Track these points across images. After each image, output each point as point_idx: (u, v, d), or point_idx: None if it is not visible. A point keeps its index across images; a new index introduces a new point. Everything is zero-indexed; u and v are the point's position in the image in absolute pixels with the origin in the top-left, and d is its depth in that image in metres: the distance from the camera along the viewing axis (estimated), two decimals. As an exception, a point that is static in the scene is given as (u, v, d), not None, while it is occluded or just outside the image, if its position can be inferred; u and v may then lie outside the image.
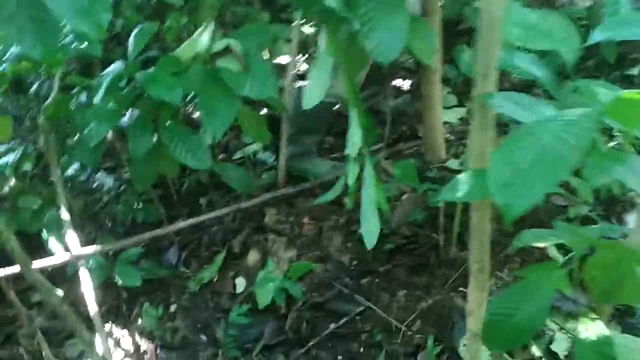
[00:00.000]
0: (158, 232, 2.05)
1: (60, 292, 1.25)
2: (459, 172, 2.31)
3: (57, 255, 1.86)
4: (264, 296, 1.93)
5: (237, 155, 2.90)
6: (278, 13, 4.58)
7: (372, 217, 1.46)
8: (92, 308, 1.71)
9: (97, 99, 1.74)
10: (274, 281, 1.92)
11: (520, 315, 1.11)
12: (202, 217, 2.12)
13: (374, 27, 1.65)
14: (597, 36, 1.39)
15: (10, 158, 2.17)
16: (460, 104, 2.83)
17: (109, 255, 2.20)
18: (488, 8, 0.98)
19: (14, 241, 1.16)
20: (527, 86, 2.93)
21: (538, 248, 1.98)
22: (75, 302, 2.18)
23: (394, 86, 3.28)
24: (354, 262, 2.08)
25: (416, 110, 2.80)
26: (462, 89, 3.01)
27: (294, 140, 2.47)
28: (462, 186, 1.10)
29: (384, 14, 1.66)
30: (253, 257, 2.13)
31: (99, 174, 2.88)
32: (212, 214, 2.15)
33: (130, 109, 2.19)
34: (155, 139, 1.97)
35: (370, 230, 1.49)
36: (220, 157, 2.90)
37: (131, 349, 1.97)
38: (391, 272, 2.00)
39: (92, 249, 1.90)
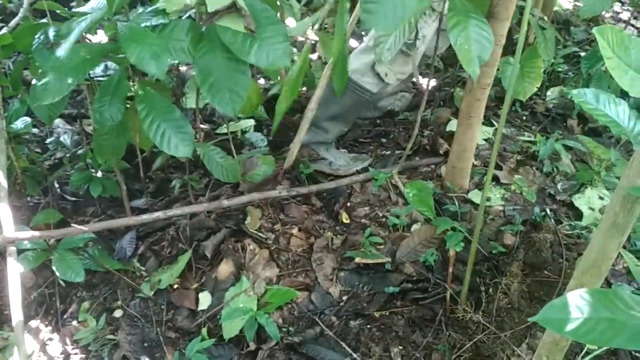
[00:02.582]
0: (114, 223, 1.65)
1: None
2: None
3: (-20, 237, 1.44)
4: (232, 327, 1.57)
5: (223, 129, 2.48)
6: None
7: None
8: (16, 315, 1.32)
9: (62, 52, 1.31)
10: (245, 311, 1.56)
11: None
12: (171, 212, 1.71)
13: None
14: None
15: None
16: (487, 122, 2.46)
17: (49, 233, 1.79)
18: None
19: None
20: (563, 115, 2.59)
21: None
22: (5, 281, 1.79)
23: (413, 82, 2.89)
24: (345, 297, 1.73)
25: (438, 119, 2.44)
26: (490, 102, 2.64)
27: (316, 126, 2.09)
28: (576, 314, 0.73)
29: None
30: (225, 268, 1.75)
31: (56, 121, 2.43)
32: (184, 209, 1.75)
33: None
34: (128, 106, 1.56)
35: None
36: (202, 127, 2.49)
37: (59, 358, 1.59)
38: (388, 320, 1.65)
39: (27, 234, 1.49)
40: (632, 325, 0.68)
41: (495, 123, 2.46)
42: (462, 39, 1.45)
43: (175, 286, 1.76)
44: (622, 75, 1.22)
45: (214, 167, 1.88)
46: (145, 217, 1.67)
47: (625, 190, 0.72)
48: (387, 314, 1.68)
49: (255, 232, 1.88)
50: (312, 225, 1.92)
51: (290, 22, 3.27)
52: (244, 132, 2.47)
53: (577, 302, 0.72)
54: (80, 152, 2.05)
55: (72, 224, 1.97)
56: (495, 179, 2.10)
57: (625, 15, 3.80)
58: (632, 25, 3.64)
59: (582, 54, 2.79)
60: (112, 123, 1.44)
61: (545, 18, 2.48)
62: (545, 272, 1.72)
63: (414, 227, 1.89)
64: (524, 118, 2.55)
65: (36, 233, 1.50)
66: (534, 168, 2.13)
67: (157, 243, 1.90)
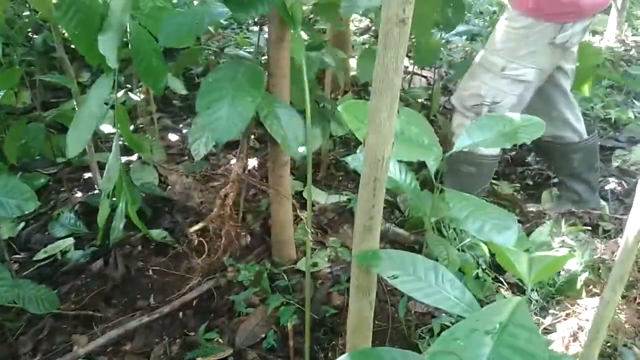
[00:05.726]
0: None
1: None
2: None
3: None
4: None
5: (41, 255, 2.33)
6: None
7: None
8: None
9: None
10: None
11: None
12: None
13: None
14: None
15: None
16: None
17: None
18: (373, 148, 0.72)
19: None
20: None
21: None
22: None
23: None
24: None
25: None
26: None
27: None
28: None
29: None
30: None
31: None
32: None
33: None
34: None
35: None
36: (16, 257, 2.31)
37: None
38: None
39: None
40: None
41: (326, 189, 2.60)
42: (277, 126, 1.58)
43: None
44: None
45: (27, 302, 1.76)
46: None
47: (358, 258, 0.79)
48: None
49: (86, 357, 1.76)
50: (144, 337, 1.84)
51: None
52: (64, 252, 2.34)
53: (342, 366, 0.77)
54: None
55: None
56: (321, 243, 2.20)
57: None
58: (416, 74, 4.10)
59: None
60: None
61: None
62: (376, 321, 1.81)
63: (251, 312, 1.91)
64: (340, 179, 2.73)
65: None
66: (352, 224, 2.27)
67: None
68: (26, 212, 1.55)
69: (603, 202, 2.55)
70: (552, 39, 1.98)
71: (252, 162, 2.91)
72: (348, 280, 1.93)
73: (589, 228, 2.34)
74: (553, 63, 2.11)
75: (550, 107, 2.31)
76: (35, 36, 3.87)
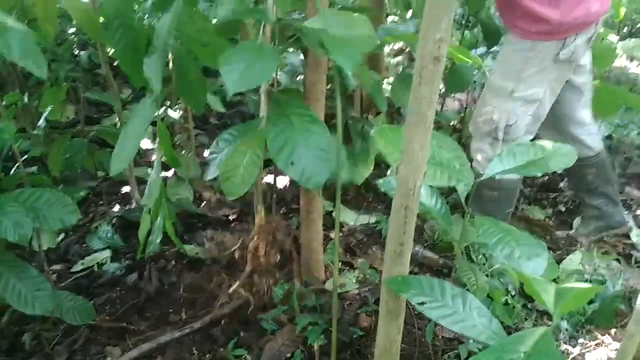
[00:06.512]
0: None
1: None
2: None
3: None
4: None
5: (79, 267, 2.41)
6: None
7: None
8: None
9: None
10: None
11: None
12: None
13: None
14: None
15: None
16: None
17: None
18: (405, 177, 0.75)
19: None
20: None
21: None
22: None
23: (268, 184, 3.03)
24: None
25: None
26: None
27: None
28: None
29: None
30: (88, 418, 1.66)
31: None
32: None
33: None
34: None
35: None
36: (54, 269, 2.39)
37: None
38: None
39: None
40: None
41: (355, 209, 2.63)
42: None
43: None
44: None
45: (64, 313, 1.83)
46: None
47: (388, 284, 0.82)
48: None
49: (118, 371, 1.81)
50: (176, 351, 1.89)
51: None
52: (100, 264, 2.41)
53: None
54: None
55: None
56: (350, 264, 2.22)
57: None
58: (449, 96, 4.13)
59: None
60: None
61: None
62: (403, 344, 1.82)
63: (278, 331, 1.93)
64: (370, 200, 2.76)
65: None
66: (380, 246, 2.29)
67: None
68: (68, 225, 1.62)
69: (637, 230, 2.51)
70: (556, 56, 1.97)
71: (284, 181, 2.97)
72: (376, 302, 1.96)
73: (622, 257, 2.31)
74: (563, 78, 2.10)
75: (556, 124, 2.30)
76: (80, 52, 4.03)
